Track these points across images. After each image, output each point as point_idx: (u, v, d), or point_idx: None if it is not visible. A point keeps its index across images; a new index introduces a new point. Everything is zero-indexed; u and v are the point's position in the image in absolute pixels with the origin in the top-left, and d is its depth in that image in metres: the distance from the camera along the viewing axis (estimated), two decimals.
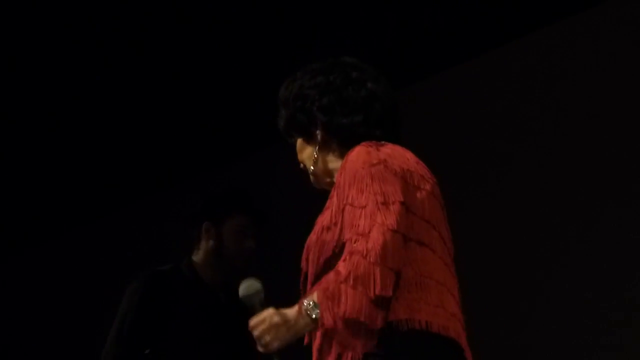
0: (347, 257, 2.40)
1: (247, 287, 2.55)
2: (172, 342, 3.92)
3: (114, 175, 6.75)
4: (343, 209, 2.54)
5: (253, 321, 2.45)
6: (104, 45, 5.66)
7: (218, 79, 6.10)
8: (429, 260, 2.51)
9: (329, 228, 2.59)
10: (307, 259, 2.66)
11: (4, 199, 7.04)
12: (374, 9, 5.36)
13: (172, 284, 3.99)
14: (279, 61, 5.40)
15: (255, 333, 2.44)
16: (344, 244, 2.51)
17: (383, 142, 2.64)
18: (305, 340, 2.61)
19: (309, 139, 2.77)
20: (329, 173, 2.75)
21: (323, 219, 2.64)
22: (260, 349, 2.46)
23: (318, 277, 2.56)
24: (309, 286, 2.62)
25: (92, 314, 5.06)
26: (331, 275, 2.39)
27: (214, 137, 6.30)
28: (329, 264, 2.55)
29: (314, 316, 2.35)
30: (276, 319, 2.40)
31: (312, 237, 2.66)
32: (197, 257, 4.05)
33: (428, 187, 2.60)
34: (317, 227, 2.66)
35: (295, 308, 2.40)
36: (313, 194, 2.82)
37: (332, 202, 2.63)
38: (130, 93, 6.11)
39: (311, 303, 2.36)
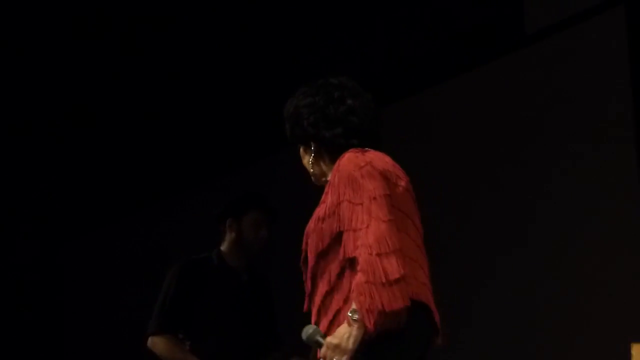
0: (359, 258, 2.94)
1: (306, 331, 3.06)
2: (203, 314, 4.72)
3: (147, 179, 7.78)
4: (339, 204, 3.07)
5: (321, 353, 3.00)
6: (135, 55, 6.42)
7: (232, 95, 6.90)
8: (404, 242, 3.04)
9: (324, 219, 3.12)
10: (306, 243, 3.19)
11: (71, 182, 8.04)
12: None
13: (203, 268, 4.82)
14: (287, 73, 6.29)
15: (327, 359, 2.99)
16: (340, 233, 3.05)
17: (366, 148, 3.19)
18: (305, 307, 3.18)
19: (307, 148, 3.32)
20: (324, 174, 3.29)
21: (319, 211, 3.16)
22: None
23: (316, 259, 3.12)
24: (309, 265, 3.17)
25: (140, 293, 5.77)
26: (357, 279, 2.92)
27: (236, 143, 7.20)
28: (326, 248, 3.10)
29: (357, 319, 2.90)
30: (335, 341, 2.94)
31: (310, 225, 3.18)
32: (224, 247, 4.85)
33: (403, 183, 3.14)
34: (314, 217, 3.19)
35: (344, 324, 2.95)
36: (315, 193, 3.35)
37: (327, 197, 3.16)
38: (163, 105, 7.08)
39: (352, 312, 2.91)
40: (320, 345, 3.02)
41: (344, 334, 2.95)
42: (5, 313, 8.17)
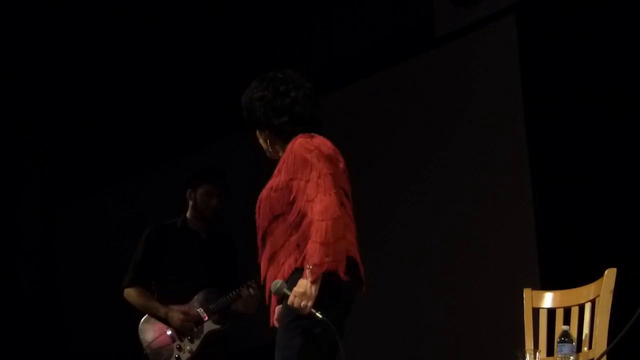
0: (310, 223, 3.48)
1: (273, 285, 3.56)
2: (167, 267, 5.39)
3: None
4: (292, 180, 3.59)
5: (289, 301, 3.46)
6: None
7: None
8: (341, 211, 3.57)
9: (276, 189, 3.63)
10: (258, 209, 3.71)
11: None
12: None
13: (168, 230, 5.45)
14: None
15: (295, 307, 3.45)
16: (291, 203, 3.58)
17: (313, 134, 3.69)
18: (259, 260, 3.72)
19: (262, 132, 3.83)
20: (277, 152, 3.79)
21: (272, 183, 3.67)
22: (303, 313, 3.44)
23: (268, 222, 3.65)
24: (260, 226, 3.68)
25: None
26: (311, 240, 3.45)
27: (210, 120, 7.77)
28: (277, 216, 3.63)
29: (314, 271, 3.42)
30: (301, 290, 3.44)
31: (263, 193, 3.70)
32: (187, 213, 5.50)
33: (342, 165, 3.68)
34: (267, 187, 3.69)
35: (304, 275, 3.44)
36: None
37: (280, 173, 3.65)
38: None
39: (309, 266, 3.44)
40: (287, 295, 3.49)
41: (306, 284, 3.44)
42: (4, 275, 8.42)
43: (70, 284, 8.66)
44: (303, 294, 3.46)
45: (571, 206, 5.66)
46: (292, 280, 3.58)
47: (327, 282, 3.50)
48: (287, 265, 3.60)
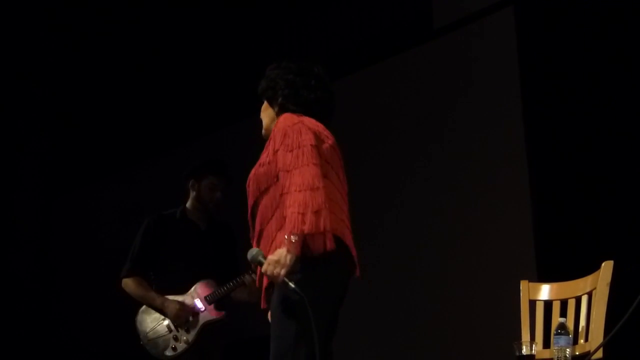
0: (290, 194, 3.45)
1: (250, 253, 3.54)
2: (166, 257, 5.41)
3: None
4: (276, 152, 3.59)
5: (262, 269, 3.46)
6: None
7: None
8: (328, 186, 3.56)
9: (263, 165, 3.63)
10: (248, 188, 3.70)
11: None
12: None
13: (167, 221, 5.49)
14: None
15: (268, 274, 3.44)
16: (277, 175, 3.55)
17: (302, 115, 3.69)
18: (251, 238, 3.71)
19: (270, 106, 3.84)
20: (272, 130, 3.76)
21: (260, 159, 3.67)
22: (275, 280, 3.43)
23: (256, 198, 3.64)
24: (249, 204, 3.67)
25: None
26: (289, 210, 3.42)
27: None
28: (266, 190, 3.61)
29: (293, 241, 3.41)
30: (275, 257, 3.41)
31: (252, 171, 3.69)
32: (188, 203, 5.53)
33: (330, 142, 3.66)
34: (256, 165, 3.69)
35: (282, 246, 3.41)
36: None
37: (267, 148, 3.66)
38: None
39: (287, 236, 3.41)
40: (262, 263, 3.47)
41: (282, 252, 3.41)
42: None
43: (68, 273, 8.67)
44: (277, 262, 3.43)
45: (568, 199, 5.66)
46: None
47: (317, 262, 3.49)
48: (279, 240, 3.55)
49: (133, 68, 8.24)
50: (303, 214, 3.44)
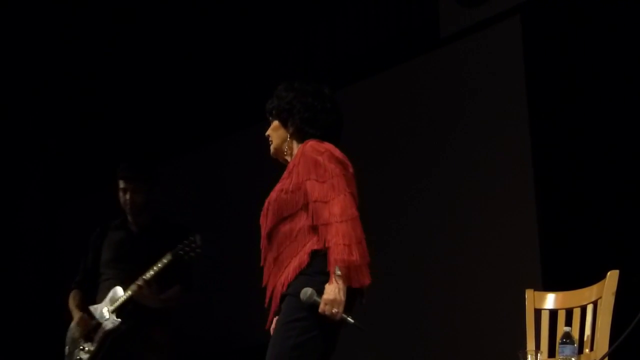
0: (329, 224, 3.46)
1: (304, 293, 3.50)
2: (100, 266, 5.41)
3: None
4: (305, 182, 3.59)
5: (320, 310, 3.44)
6: None
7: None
8: None
9: (287, 192, 3.63)
10: (266, 211, 3.71)
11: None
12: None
13: (108, 230, 5.48)
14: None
15: (327, 314, 3.43)
16: (305, 205, 3.57)
17: (324, 141, 3.73)
18: (262, 262, 3.73)
19: (282, 126, 3.84)
20: (283, 152, 3.81)
21: (282, 185, 3.67)
22: (334, 319, 3.42)
23: (276, 223, 3.64)
24: (267, 227, 3.67)
25: None
26: (331, 242, 3.43)
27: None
28: (284, 218, 3.63)
29: (340, 275, 3.41)
30: (331, 297, 3.42)
31: (272, 195, 3.70)
32: None
33: (351, 170, 3.69)
34: (277, 189, 3.69)
35: (330, 281, 3.42)
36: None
37: (291, 175, 3.66)
38: None
39: (336, 269, 3.41)
40: (317, 303, 3.45)
41: (335, 289, 3.42)
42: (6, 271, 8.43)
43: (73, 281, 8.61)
44: (333, 301, 3.45)
45: (574, 207, 5.65)
46: (296, 283, 3.58)
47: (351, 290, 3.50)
48: (292, 268, 3.58)
49: (139, 76, 8.25)
50: (349, 246, 3.46)
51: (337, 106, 3.89)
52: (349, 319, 3.45)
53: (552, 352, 3.77)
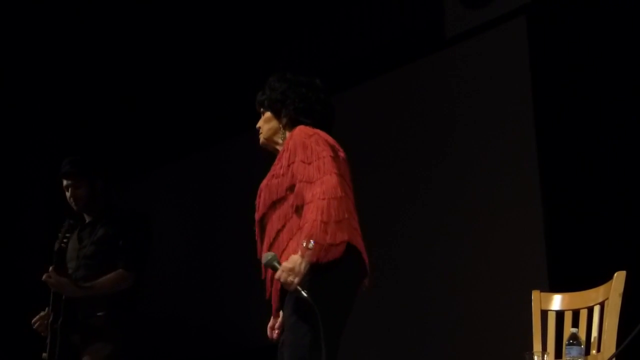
0: (311, 202, 3.45)
1: (265, 257, 3.54)
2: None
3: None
4: (293, 163, 3.58)
5: (276, 275, 3.46)
6: None
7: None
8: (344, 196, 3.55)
9: (277, 176, 3.64)
10: (259, 199, 3.71)
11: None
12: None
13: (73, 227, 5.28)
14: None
15: (281, 281, 3.43)
16: (292, 186, 3.57)
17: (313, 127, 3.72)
18: (258, 253, 3.72)
19: (276, 117, 3.83)
20: (273, 140, 3.83)
21: (273, 170, 3.69)
22: (288, 288, 3.42)
23: (267, 208, 3.64)
24: (259, 214, 3.67)
25: None
26: (308, 217, 3.42)
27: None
28: (278, 201, 3.63)
29: (310, 246, 3.40)
30: (289, 265, 3.42)
31: (264, 182, 3.72)
32: None
33: (342, 154, 3.68)
34: (268, 176, 3.71)
35: (298, 252, 3.41)
36: None
37: (280, 160, 3.67)
38: None
39: (305, 242, 3.40)
40: (276, 269, 3.47)
41: (297, 260, 3.41)
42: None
43: None
44: (291, 270, 3.44)
45: (580, 207, 5.65)
46: None
47: (328, 269, 3.48)
48: (292, 248, 3.56)
49: (141, 77, 8.27)
50: (326, 223, 3.45)
51: (330, 98, 3.90)
52: (303, 292, 3.41)
53: (558, 353, 3.75)
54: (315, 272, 3.47)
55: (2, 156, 8.54)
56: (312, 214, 3.47)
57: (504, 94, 6.13)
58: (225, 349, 7.58)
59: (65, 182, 5.33)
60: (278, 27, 7.44)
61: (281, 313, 3.74)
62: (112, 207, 5.37)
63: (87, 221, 5.35)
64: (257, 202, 3.76)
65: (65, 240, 5.16)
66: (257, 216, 3.74)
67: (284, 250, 3.60)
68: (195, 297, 7.95)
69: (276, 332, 3.78)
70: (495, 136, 6.13)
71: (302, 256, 3.43)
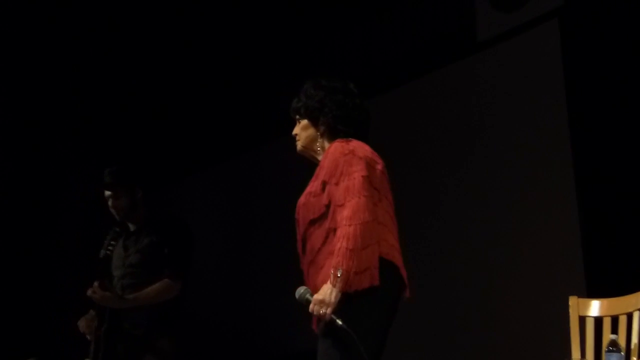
0: (339, 228, 3.46)
1: (297, 292, 3.55)
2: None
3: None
4: (327, 184, 3.60)
5: (309, 308, 3.46)
6: None
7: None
8: (378, 212, 3.58)
9: (314, 194, 3.65)
10: (298, 213, 3.74)
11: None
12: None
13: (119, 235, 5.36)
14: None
15: (315, 314, 3.45)
16: (327, 206, 3.58)
17: (351, 139, 3.71)
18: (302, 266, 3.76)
19: (314, 125, 3.81)
20: (312, 149, 3.81)
21: (311, 187, 3.70)
22: (325, 320, 3.42)
23: (307, 226, 3.66)
24: (300, 231, 3.69)
25: None
26: (336, 244, 3.43)
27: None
28: (313, 221, 3.64)
29: (339, 274, 3.40)
30: (320, 297, 3.43)
31: (302, 199, 3.73)
32: None
33: (380, 167, 3.65)
34: (306, 192, 3.71)
35: (327, 282, 3.42)
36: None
37: (317, 178, 3.68)
38: None
39: (333, 270, 3.41)
40: (309, 302, 3.49)
41: (327, 290, 3.42)
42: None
43: None
44: (322, 302, 3.44)
45: (618, 210, 5.59)
46: None
47: (362, 294, 3.47)
48: (327, 268, 3.54)
49: (177, 87, 8.31)
50: (352, 250, 3.44)
51: (365, 102, 3.87)
52: (338, 321, 3.42)
53: None
54: (348, 299, 3.46)
55: (39, 165, 8.59)
56: (339, 242, 3.48)
57: (537, 97, 6.10)
58: (262, 356, 7.58)
59: (106, 193, 5.38)
60: (309, 32, 7.44)
61: None
62: (154, 215, 5.42)
63: (131, 230, 5.39)
64: (296, 217, 3.77)
65: (110, 248, 5.22)
66: (298, 234, 3.76)
67: (321, 268, 3.61)
68: (231, 304, 7.97)
69: None
70: (530, 140, 6.10)
71: (333, 285, 3.44)
